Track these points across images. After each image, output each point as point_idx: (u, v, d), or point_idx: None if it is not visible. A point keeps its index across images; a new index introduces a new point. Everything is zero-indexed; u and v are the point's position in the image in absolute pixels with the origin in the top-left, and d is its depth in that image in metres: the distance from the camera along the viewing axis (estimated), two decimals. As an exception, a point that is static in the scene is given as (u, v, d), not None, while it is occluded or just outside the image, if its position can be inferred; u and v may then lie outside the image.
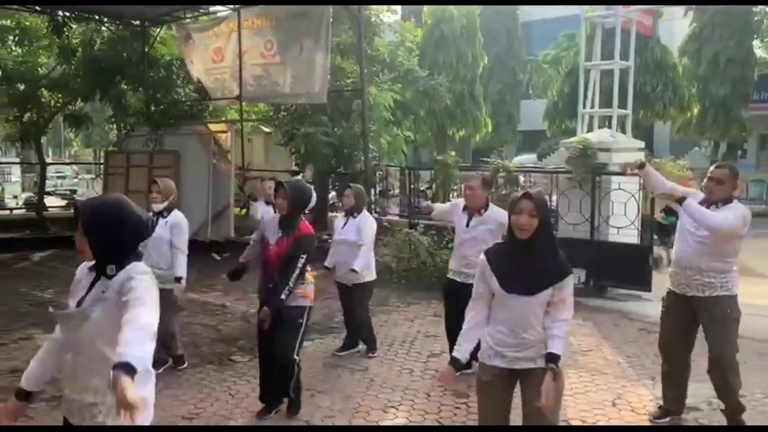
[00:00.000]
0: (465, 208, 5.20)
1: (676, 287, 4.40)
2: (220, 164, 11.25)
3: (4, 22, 12.39)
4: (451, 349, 5.12)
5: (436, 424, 4.54)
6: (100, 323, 2.28)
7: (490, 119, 18.49)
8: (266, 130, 13.87)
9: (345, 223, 5.80)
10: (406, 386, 5.17)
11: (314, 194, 4.69)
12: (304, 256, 4.28)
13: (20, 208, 14.56)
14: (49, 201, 14.10)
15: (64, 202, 15.70)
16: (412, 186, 10.89)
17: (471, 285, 4.59)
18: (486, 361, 3.16)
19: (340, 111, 10.30)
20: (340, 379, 5.34)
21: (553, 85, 19.99)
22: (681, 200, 4.13)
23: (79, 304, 2.37)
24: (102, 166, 18.94)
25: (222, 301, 7.93)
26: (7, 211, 14.15)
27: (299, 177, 7.54)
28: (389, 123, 10.21)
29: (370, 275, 5.87)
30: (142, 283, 2.27)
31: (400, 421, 4.57)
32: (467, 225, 5.11)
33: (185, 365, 5.51)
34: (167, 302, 4.88)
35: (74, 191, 21.25)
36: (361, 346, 6.03)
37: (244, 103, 11.72)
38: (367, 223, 5.76)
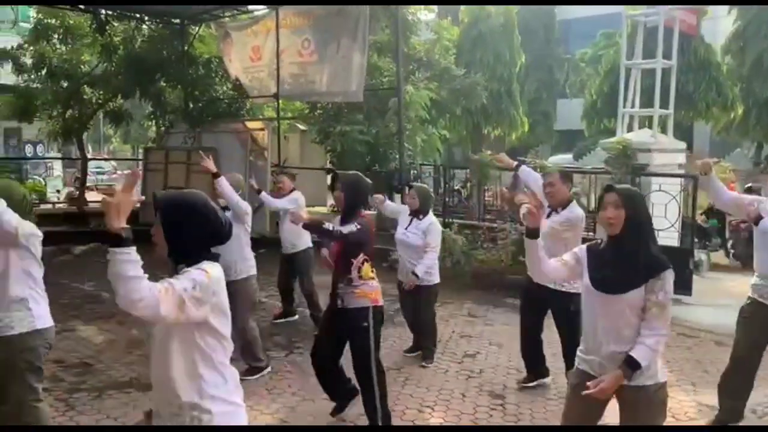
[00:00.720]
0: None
1: (761, 297, 4.15)
2: (256, 161, 11.34)
3: (49, 20, 12.66)
4: (526, 364, 5.17)
5: (472, 424, 4.51)
6: (171, 326, 2.20)
7: (526, 118, 18.29)
8: (302, 127, 13.96)
9: (409, 223, 5.58)
10: (441, 386, 5.15)
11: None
12: (359, 226, 3.97)
13: (62, 203, 14.89)
14: (90, 196, 14.37)
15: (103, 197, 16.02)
16: (446, 185, 10.86)
17: (550, 290, 4.62)
18: (576, 365, 3.05)
19: (376, 109, 10.30)
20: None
21: (591, 84, 19.67)
22: (757, 219, 4.02)
23: None
24: (141, 162, 19.35)
25: (258, 297, 7.99)
26: (50, 205, 14.48)
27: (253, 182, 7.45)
28: (424, 121, 10.17)
29: (434, 278, 5.69)
30: (194, 274, 2.18)
31: (435, 421, 4.56)
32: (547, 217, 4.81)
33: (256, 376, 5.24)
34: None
35: (113, 186, 21.66)
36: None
37: (280, 101, 11.80)
38: (434, 228, 5.56)
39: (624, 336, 2.80)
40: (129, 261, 2.06)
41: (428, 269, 5.53)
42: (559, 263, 3.03)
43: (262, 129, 11.69)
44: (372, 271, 4.15)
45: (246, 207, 5.24)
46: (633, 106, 10.14)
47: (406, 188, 5.97)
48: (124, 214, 2.08)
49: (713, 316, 7.29)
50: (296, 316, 7.02)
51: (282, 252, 6.89)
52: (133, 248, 2.09)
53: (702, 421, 4.56)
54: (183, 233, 2.28)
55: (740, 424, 4.40)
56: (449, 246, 8.72)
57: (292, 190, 6.77)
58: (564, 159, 20.41)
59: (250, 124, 11.97)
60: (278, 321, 6.93)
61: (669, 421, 4.56)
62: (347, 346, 4.26)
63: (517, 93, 17.60)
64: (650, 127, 10.02)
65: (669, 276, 2.79)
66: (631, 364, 2.72)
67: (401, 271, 5.70)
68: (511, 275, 8.36)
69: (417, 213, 5.58)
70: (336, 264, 4.17)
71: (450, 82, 10.82)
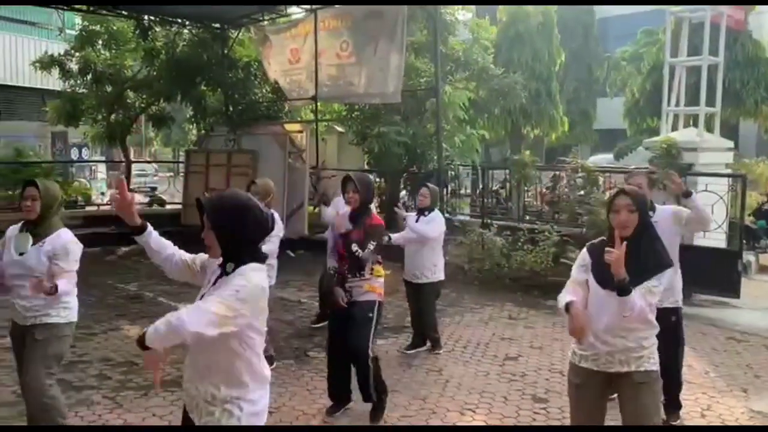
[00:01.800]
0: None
1: None
2: (295, 163, 11.42)
3: (94, 27, 12.99)
4: None
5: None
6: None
7: (566, 117, 18.04)
8: (339, 129, 14.01)
9: (416, 221, 5.78)
10: (482, 389, 5.10)
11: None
12: (374, 243, 4.30)
13: (106, 205, 15.22)
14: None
15: (146, 199, 16.34)
16: (485, 185, 10.77)
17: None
18: (577, 363, 3.09)
19: (414, 110, 10.27)
20: (414, 379, 5.32)
21: (632, 82, 19.29)
22: None
23: (202, 297, 2.41)
24: (181, 165, 19.67)
25: (298, 297, 8.06)
26: (95, 207, 14.83)
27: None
28: (462, 122, 10.10)
29: (438, 275, 5.89)
30: (234, 284, 2.27)
31: (478, 424, 4.50)
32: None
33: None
34: None
35: (155, 189, 22.08)
36: (429, 345, 6.04)
37: (318, 103, 11.87)
38: (438, 219, 5.78)
39: (626, 330, 2.91)
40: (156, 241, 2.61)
41: (434, 264, 5.78)
42: (578, 293, 3.01)
43: (300, 131, 11.78)
44: (381, 270, 4.45)
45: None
46: (678, 105, 9.90)
47: (422, 188, 6.01)
48: (131, 214, 2.53)
49: (763, 319, 7.08)
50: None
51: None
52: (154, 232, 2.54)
53: (754, 429, 4.42)
54: (233, 233, 2.36)
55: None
56: (488, 247, 8.66)
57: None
58: (604, 159, 20.04)
59: (289, 127, 12.07)
60: (317, 326, 6.91)
61: (720, 428, 4.45)
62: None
63: (557, 92, 17.38)
64: (695, 125, 9.77)
65: (666, 273, 2.92)
66: (624, 287, 2.75)
67: (407, 271, 5.89)
68: (551, 277, 8.26)
69: (423, 211, 5.80)
70: (347, 260, 4.34)
71: (488, 81, 10.72)
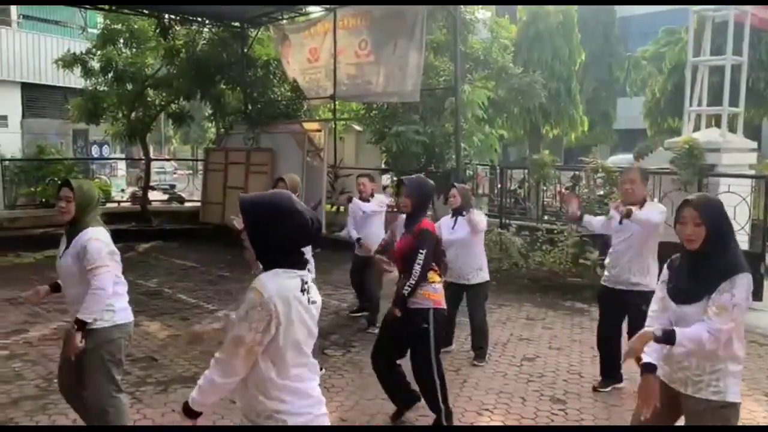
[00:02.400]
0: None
1: None
2: (313, 162, 11.46)
3: (115, 25, 13.12)
4: (602, 360, 5.11)
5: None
6: None
7: (585, 117, 17.89)
8: (357, 128, 14.03)
9: (455, 224, 5.61)
10: (500, 389, 5.08)
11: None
12: (424, 251, 4.08)
13: (126, 201, 15.40)
14: (152, 195, 14.84)
15: (165, 197, 16.49)
16: (503, 185, 10.71)
17: (623, 291, 4.64)
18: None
19: (432, 109, 10.24)
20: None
21: (653, 82, 19.10)
22: None
23: None
24: (199, 163, 19.80)
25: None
26: (115, 204, 15.00)
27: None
28: (481, 121, 10.05)
29: (485, 275, 5.74)
30: (246, 302, 2.22)
31: (495, 424, 4.48)
32: (620, 222, 4.78)
33: None
34: None
35: (173, 186, 22.28)
36: (454, 347, 5.95)
37: (336, 102, 11.89)
38: (479, 216, 5.61)
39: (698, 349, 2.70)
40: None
41: (480, 263, 5.65)
42: (660, 314, 2.92)
43: (318, 130, 11.81)
44: (437, 276, 4.22)
45: None
46: (700, 105, 9.76)
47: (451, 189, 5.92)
48: None
49: (787, 323, 6.96)
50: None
51: (358, 254, 6.95)
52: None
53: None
54: (268, 235, 2.25)
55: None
56: (507, 247, 8.62)
57: (372, 192, 6.86)
58: (624, 159, 19.85)
59: (307, 125, 12.11)
60: (354, 315, 7.07)
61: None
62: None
63: (577, 92, 17.25)
64: (718, 126, 9.63)
65: (740, 280, 2.65)
66: (666, 333, 2.63)
67: (452, 273, 5.63)
68: (570, 278, 8.21)
69: (459, 211, 5.63)
70: (398, 262, 4.23)
71: (508, 81, 10.66)
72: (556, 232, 8.46)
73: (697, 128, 9.61)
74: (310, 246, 5.04)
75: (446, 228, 5.60)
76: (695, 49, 10.03)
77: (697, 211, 2.71)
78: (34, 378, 5.06)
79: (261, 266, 2.33)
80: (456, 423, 4.45)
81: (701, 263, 2.72)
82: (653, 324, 2.85)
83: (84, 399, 3.63)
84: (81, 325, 3.39)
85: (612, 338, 5.08)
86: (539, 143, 16.80)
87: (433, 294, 4.15)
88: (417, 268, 4.06)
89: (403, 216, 4.37)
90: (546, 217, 10.13)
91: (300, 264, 2.30)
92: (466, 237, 5.52)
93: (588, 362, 5.71)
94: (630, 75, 23.82)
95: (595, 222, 5.23)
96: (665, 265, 2.98)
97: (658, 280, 3.03)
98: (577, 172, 9.32)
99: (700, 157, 7.99)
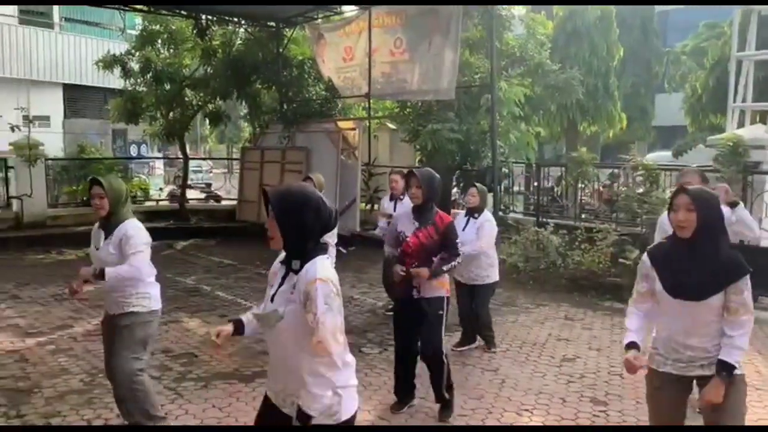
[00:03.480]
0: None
1: None
2: (347, 160, 11.49)
3: (154, 27, 13.33)
4: None
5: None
6: (291, 324, 2.33)
7: (623, 114, 17.56)
8: (391, 126, 14.01)
9: (466, 224, 5.68)
10: (539, 390, 5.01)
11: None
12: (458, 240, 4.25)
13: (164, 200, 15.66)
14: (189, 194, 15.06)
15: (202, 195, 16.72)
16: (539, 183, 10.59)
17: None
18: (656, 368, 3.02)
19: (467, 106, 10.16)
20: (470, 378, 5.27)
21: (692, 77, 18.68)
22: None
23: (272, 298, 2.44)
24: (234, 161, 20.03)
25: (350, 294, 8.09)
26: (154, 202, 15.27)
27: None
28: (518, 118, 9.95)
29: (494, 276, 5.84)
30: (317, 291, 2.29)
31: (536, 425, 4.43)
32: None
33: None
34: None
35: (209, 185, 22.61)
36: (479, 342, 6.00)
37: (371, 100, 11.89)
38: (489, 225, 5.68)
39: (705, 334, 2.82)
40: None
41: (490, 264, 5.72)
42: (644, 306, 3.01)
43: (353, 128, 11.84)
44: None
45: None
46: (744, 101, 9.52)
47: (470, 188, 5.89)
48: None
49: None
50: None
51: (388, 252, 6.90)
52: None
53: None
54: (296, 225, 2.37)
55: None
56: (544, 246, 8.52)
57: (405, 191, 6.76)
58: (663, 156, 19.45)
59: (342, 124, 12.14)
60: (390, 313, 6.98)
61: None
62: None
63: (615, 88, 16.94)
64: (763, 122, 9.38)
65: (748, 278, 2.80)
66: (727, 368, 2.75)
67: (461, 272, 5.71)
68: (610, 278, 8.07)
69: (473, 212, 5.69)
70: (415, 257, 4.25)
71: (544, 77, 10.52)
72: (595, 230, 8.33)
73: (741, 125, 9.38)
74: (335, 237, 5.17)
75: (457, 227, 5.60)
76: (740, 44, 9.78)
77: (690, 197, 2.76)
78: (79, 373, 5.17)
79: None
80: (495, 423, 4.42)
81: (698, 256, 2.75)
82: (632, 322, 3.00)
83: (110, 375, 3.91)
84: (101, 275, 3.67)
85: None
86: (576, 140, 16.55)
87: (446, 283, 4.36)
88: (456, 260, 4.23)
89: (405, 211, 4.46)
90: (584, 216, 9.99)
91: (324, 251, 2.45)
92: (474, 239, 5.56)
93: (629, 363, 5.60)
94: (669, 70, 23.36)
95: None
96: (645, 257, 2.96)
97: (640, 273, 3.02)
98: (615, 170, 9.17)
99: (744, 155, 7.79)
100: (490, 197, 9.66)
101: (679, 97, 19.66)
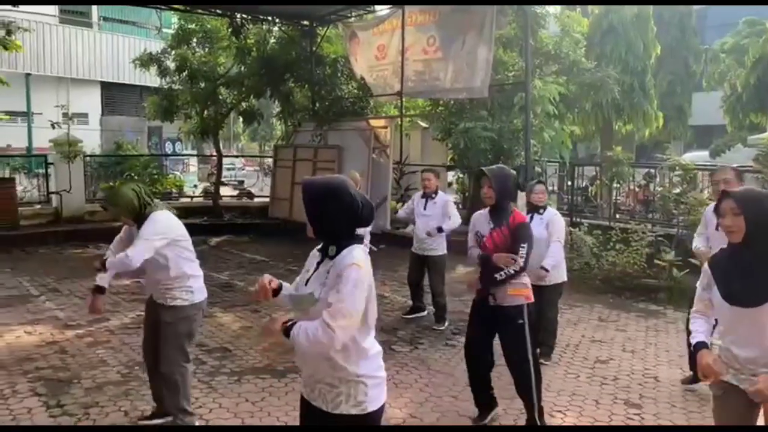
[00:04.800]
0: (716, 208, 4.66)
1: None
2: (379, 159, 11.51)
3: (189, 25, 13.52)
4: (691, 367, 4.92)
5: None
6: (323, 309, 2.35)
7: (660, 113, 17.22)
8: (423, 125, 14.00)
9: (530, 221, 5.29)
10: (572, 391, 4.96)
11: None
12: (525, 245, 4.02)
13: (199, 197, 15.87)
14: (223, 191, 15.23)
15: (235, 192, 16.90)
16: (573, 183, 10.47)
17: None
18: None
19: (501, 105, 10.09)
20: (502, 378, 5.19)
21: (732, 75, 18.25)
22: None
23: (306, 282, 2.50)
24: (266, 159, 20.19)
25: (381, 292, 8.10)
26: (188, 199, 15.48)
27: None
28: (552, 117, 9.84)
29: (562, 275, 5.58)
30: (349, 275, 2.33)
31: (568, 426, 4.38)
32: (717, 228, 4.49)
33: None
34: None
35: (242, 182, 22.83)
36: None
37: (403, 99, 11.89)
38: (558, 220, 5.44)
39: (762, 343, 2.65)
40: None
41: (558, 263, 5.40)
42: (704, 314, 2.91)
43: (385, 127, 11.85)
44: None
45: None
46: (786, 99, 9.27)
47: (536, 185, 5.71)
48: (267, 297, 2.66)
49: None
50: (425, 312, 6.98)
51: (415, 252, 6.85)
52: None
53: None
54: (328, 215, 2.43)
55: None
56: (578, 246, 8.42)
57: (437, 189, 6.72)
58: (699, 156, 19.09)
59: (374, 122, 12.17)
60: (407, 317, 6.93)
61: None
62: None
63: (651, 86, 16.62)
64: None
65: None
66: None
67: (528, 271, 5.51)
68: (645, 279, 7.94)
69: (538, 208, 5.52)
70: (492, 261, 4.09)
71: (579, 75, 10.39)
72: (630, 231, 8.20)
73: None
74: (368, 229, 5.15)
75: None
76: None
77: (734, 200, 2.66)
78: (117, 365, 5.28)
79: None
80: (524, 423, 4.38)
81: (752, 258, 2.62)
82: (698, 325, 2.87)
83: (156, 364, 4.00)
84: (102, 266, 3.82)
85: None
86: (610, 140, 16.30)
87: (525, 289, 4.11)
88: (520, 261, 4.00)
89: (482, 212, 4.29)
90: (618, 216, 9.84)
91: (360, 240, 2.49)
92: (541, 237, 5.29)
93: (665, 366, 5.52)
94: (707, 69, 22.85)
95: None
96: (706, 268, 2.85)
97: (701, 282, 2.91)
98: (651, 170, 9.02)
99: (787, 155, 7.59)
100: (522, 196, 9.59)
101: (718, 96, 19.21)
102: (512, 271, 4.00)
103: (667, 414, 4.60)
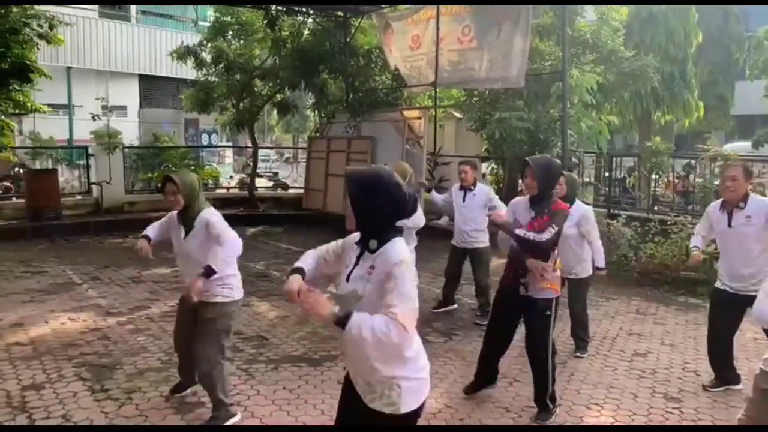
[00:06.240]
0: (722, 206, 4.63)
1: None
2: (412, 149, 11.48)
3: (225, 18, 13.65)
4: (714, 370, 4.89)
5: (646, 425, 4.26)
6: (367, 304, 2.31)
7: (701, 102, 16.79)
8: (457, 115, 13.92)
9: None
10: (609, 384, 4.91)
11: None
12: (555, 229, 3.99)
13: (235, 187, 16.07)
14: (258, 182, 15.38)
15: (270, 183, 17.07)
16: (610, 174, 10.30)
17: (742, 296, 4.42)
18: (765, 368, 2.92)
19: (537, 94, 9.96)
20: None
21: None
22: None
23: (347, 278, 2.45)
24: (299, 151, 20.33)
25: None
26: (224, 190, 15.70)
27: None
28: (589, 107, 9.68)
29: (588, 270, 5.49)
30: (404, 274, 2.28)
31: (606, 420, 4.34)
32: (729, 225, 4.57)
33: None
34: None
35: (276, 173, 23.04)
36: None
37: (437, 89, 11.82)
38: (590, 215, 5.35)
39: None
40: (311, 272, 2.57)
41: (585, 258, 5.39)
42: None
43: (418, 118, 11.81)
44: (559, 263, 4.17)
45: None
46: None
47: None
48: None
49: None
50: (455, 306, 6.97)
51: (456, 245, 6.78)
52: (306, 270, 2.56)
53: None
54: (370, 206, 2.36)
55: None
56: (615, 238, 8.30)
57: (475, 181, 6.64)
58: (742, 147, 18.59)
59: (407, 113, 12.13)
60: (438, 310, 6.91)
61: None
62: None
63: (692, 75, 16.21)
64: None
65: None
66: None
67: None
68: (684, 272, 7.79)
69: (564, 201, 5.40)
70: (528, 252, 4.09)
71: (618, 64, 10.19)
72: (669, 223, 8.05)
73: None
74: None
75: None
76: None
77: None
78: (157, 351, 5.40)
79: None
80: (564, 416, 4.35)
81: None
82: None
83: (194, 360, 4.07)
84: (209, 272, 3.76)
85: (725, 338, 4.83)
86: (649, 130, 15.97)
87: (555, 283, 4.16)
88: (545, 235, 3.96)
89: (522, 198, 4.29)
90: (656, 208, 9.66)
91: (400, 232, 2.44)
92: (573, 233, 5.24)
93: (704, 360, 5.39)
94: (750, 56, 22.15)
95: None
96: None
97: None
98: (692, 161, 8.82)
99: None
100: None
101: (761, 85, 18.66)
102: (532, 237, 3.99)
103: (707, 409, 4.52)
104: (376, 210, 2.36)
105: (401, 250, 2.35)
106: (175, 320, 4.35)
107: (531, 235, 3.99)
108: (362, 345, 2.19)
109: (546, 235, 3.96)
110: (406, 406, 2.40)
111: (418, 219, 5.53)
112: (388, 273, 2.27)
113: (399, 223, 2.44)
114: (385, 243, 2.37)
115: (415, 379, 2.43)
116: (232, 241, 3.86)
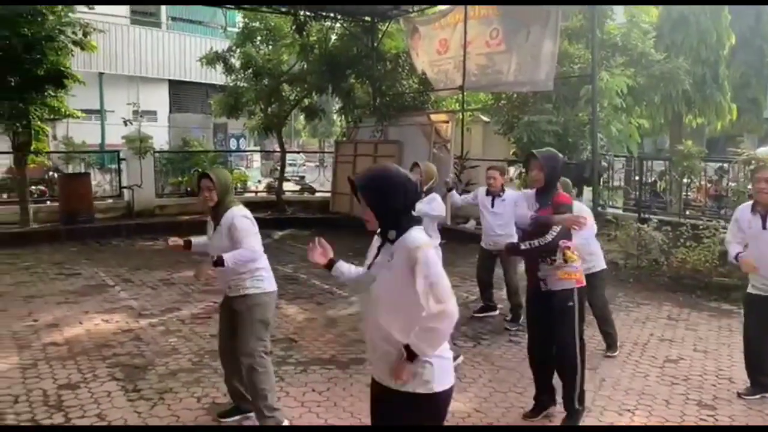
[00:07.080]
0: (754, 209, 4.59)
1: None
2: (439, 153, 11.46)
3: (254, 24, 13.80)
4: (750, 377, 4.82)
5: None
6: (386, 290, 2.44)
7: (734, 105, 16.47)
8: (484, 119, 13.86)
9: None
10: (641, 390, 4.85)
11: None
12: (557, 228, 3.97)
13: (263, 191, 16.21)
14: (285, 185, 15.49)
15: (297, 187, 17.19)
16: (641, 178, 10.15)
17: None
18: None
19: (566, 98, 9.89)
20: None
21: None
22: None
23: (369, 267, 2.59)
24: (326, 155, 20.45)
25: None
26: (252, 194, 15.85)
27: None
28: (619, 110, 9.57)
29: (600, 263, 5.46)
30: (427, 256, 2.39)
31: (637, 425, 4.28)
32: (764, 227, 4.52)
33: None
34: None
35: (303, 177, 23.19)
36: None
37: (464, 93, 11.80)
38: (583, 209, 5.25)
39: None
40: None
41: (592, 252, 5.33)
42: None
43: (445, 121, 11.80)
44: (575, 255, 4.07)
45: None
46: None
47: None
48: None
49: None
50: (497, 312, 6.84)
51: (486, 248, 6.71)
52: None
53: None
54: (387, 204, 2.47)
55: None
56: (646, 243, 8.19)
57: (503, 186, 6.56)
58: (776, 151, 18.18)
59: (434, 117, 12.13)
60: (478, 315, 6.83)
61: None
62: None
63: (725, 77, 15.92)
64: None
65: None
66: None
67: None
68: (716, 278, 7.65)
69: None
70: (539, 255, 4.10)
71: (648, 67, 10.07)
72: (701, 227, 7.92)
73: None
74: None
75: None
76: None
77: None
78: (188, 353, 5.47)
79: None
80: (594, 422, 4.31)
81: None
82: None
83: (237, 361, 4.03)
84: (219, 262, 3.80)
85: (761, 344, 4.74)
86: (680, 133, 15.72)
87: (575, 273, 4.08)
88: (548, 236, 3.98)
89: (529, 191, 4.28)
90: (688, 212, 9.51)
91: (419, 222, 2.54)
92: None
93: (739, 367, 5.29)
94: (785, 58, 21.67)
95: None
96: None
97: None
98: (724, 164, 8.67)
99: None
100: (587, 191, 9.39)
101: (796, 87, 18.24)
102: (538, 243, 4.00)
103: (742, 417, 4.44)
104: (389, 202, 2.46)
105: (417, 237, 2.45)
106: (218, 335, 4.31)
107: (536, 243, 4.03)
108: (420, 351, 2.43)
109: (549, 237, 3.99)
110: (440, 384, 2.48)
111: (439, 208, 5.47)
112: (409, 259, 2.39)
113: (418, 213, 2.58)
114: (403, 233, 2.47)
115: (445, 359, 2.53)
116: (251, 248, 3.90)
